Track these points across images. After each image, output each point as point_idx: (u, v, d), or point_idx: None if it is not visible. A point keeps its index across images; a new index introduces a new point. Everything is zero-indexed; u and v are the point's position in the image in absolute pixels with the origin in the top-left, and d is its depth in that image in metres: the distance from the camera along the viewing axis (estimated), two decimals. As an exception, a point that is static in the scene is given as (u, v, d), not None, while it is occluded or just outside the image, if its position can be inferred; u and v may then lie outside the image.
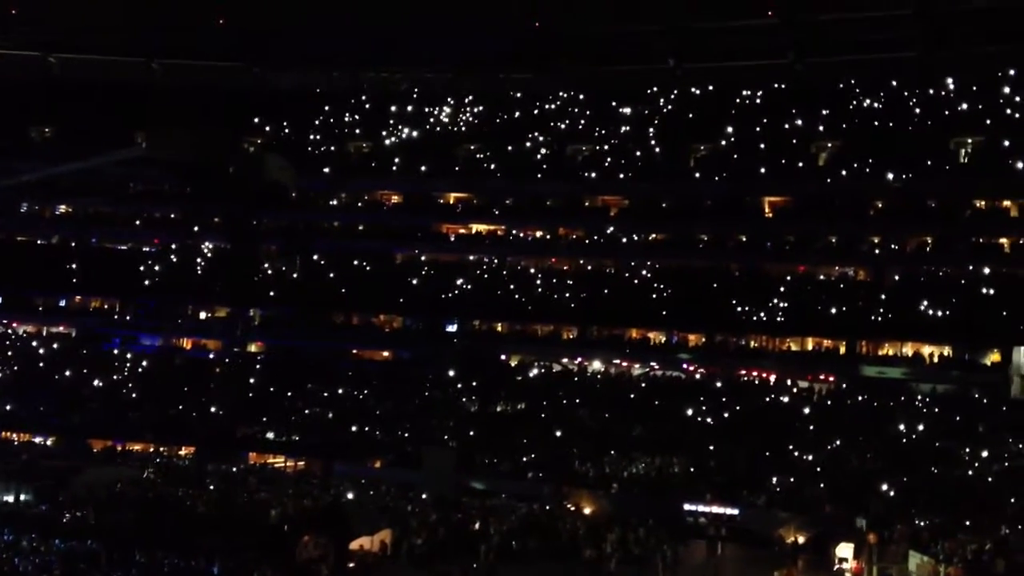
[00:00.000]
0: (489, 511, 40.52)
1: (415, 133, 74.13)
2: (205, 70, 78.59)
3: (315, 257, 68.16)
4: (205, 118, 70.42)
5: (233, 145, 71.81)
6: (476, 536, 37.45)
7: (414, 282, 65.08)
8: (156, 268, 69.83)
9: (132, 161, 64.48)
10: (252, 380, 59.39)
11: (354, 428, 52.73)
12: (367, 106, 77.02)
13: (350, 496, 42.03)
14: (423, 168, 70.40)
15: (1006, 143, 57.68)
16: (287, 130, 76.21)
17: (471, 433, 50.83)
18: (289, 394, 57.17)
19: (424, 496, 42.78)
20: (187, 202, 70.30)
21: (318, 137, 75.01)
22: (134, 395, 58.82)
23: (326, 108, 76.87)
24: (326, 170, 72.05)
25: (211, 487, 43.35)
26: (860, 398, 52.08)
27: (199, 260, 70.00)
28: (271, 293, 66.20)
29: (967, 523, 34.69)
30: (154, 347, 67.01)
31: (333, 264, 67.39)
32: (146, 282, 68.71)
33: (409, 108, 75.81)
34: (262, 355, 65.30)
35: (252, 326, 64.93)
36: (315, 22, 72.77)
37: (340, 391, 57.42)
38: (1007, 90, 60.63)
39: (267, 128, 76.13)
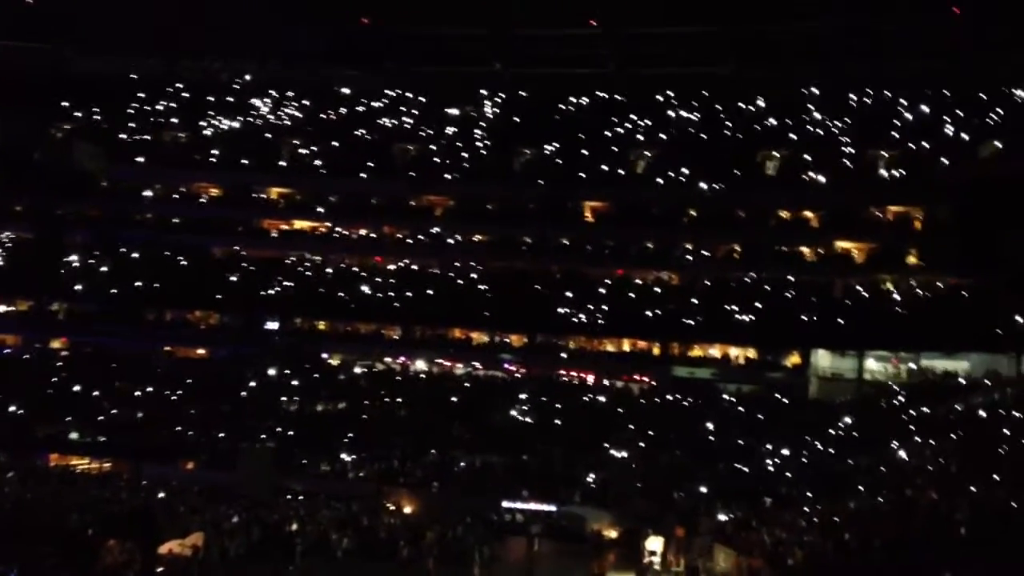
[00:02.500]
0: (306, 511, 39.86)
1: (236, 125, 72.19)
2: (9, 51, 73.87)
3: (126, 250, 65.26)
4: (8, 102, 66.43)
5: (40, 131, 68.20)
6: (292, 537, 36.75)
7: (232, 278, 63.30)
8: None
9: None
10: (54, 378, 56.30)
11: (165, 428, 50.78)
12: (185, 95, 74.45)
13: (160, 498, 40.43)
14: (244, 162, 68.63)
15: (807, 157, 61.17)
16: (98, 117, 72.74)
17: (289, 433, 49.88)
18: (95, 393, 54.46)
19: (239, 498, 41.62)
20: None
21: (132, 125, 71.92)
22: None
23: (141, 95, 73.84)
24: (140, 160, 69.25)
25: (6, 490, 40.80)
26: (671, 398, 54.14)
27: (-1, 250, 65.95)
28: (77, 287, 63.00)
29: (768, 516, 36.50)
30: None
31: (146, 258, 64.69)
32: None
33: (230, 99, 73.72)
34: (66, 351, 62.05)
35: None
36: (132, 5, 69.61)
37: (151, 390, 55.13)
38: (810, 107, 64.23)
39: (77, 114, 72.37)
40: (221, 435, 49.81)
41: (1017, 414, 39.80)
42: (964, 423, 40.72)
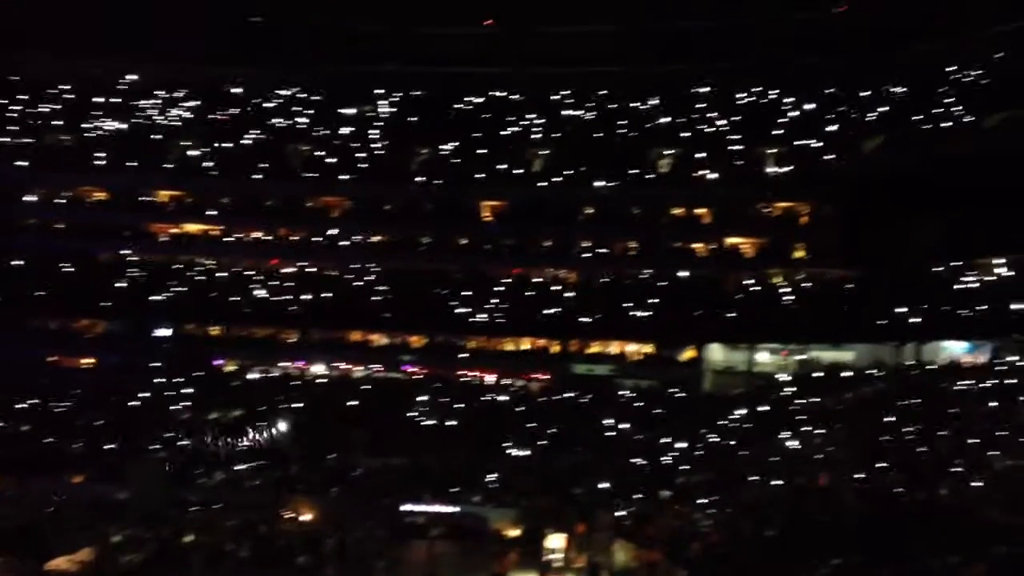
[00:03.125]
0: (201, 522, 38.95)
1: (123, 127, 70.14)
2: None
3: (8, 257, 62.82)
4: None
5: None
6: (186, 549, 35.91)
7: (120, 284, 61.51)
8: None
9: None
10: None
11: (52, 441, 48.98)
12: (68, 96, 71.99)
13: (48, 513, 39.04)
14: (132, 164, 66.74)
15: (699, 156, 62.34)
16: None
17: (183, 443, 48.64)
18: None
19: (131, 511, 40.44)
20: None
21: (13, 128, 69.28)
22: None
23: (21, 96, 71.15)
24: (22, 163, 66.76)
25: None
26: (571, 395, 54.56)
27: None
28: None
29: (666, 509, 37.09)
30: None
31: (29, 264, 62.43)
32: None
33: (116, 100, 71.58)
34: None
35: None
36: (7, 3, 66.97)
37: (36, 401, 53.12)
38: (700, 105, 65.43)
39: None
40: (111, 447, 48.25)
41: (900, 402, 41.30)
42: (851, 411, 42.03)
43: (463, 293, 59.64)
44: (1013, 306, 46.41)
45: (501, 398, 54.99)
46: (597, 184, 62.02)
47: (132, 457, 45.74)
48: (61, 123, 70.40)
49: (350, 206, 65.44)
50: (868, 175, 55.91)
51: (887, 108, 59.53)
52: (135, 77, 72.45)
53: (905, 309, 49.76)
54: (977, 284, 49.34)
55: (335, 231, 64.20)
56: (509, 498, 42.86)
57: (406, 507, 42.06)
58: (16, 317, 60.14)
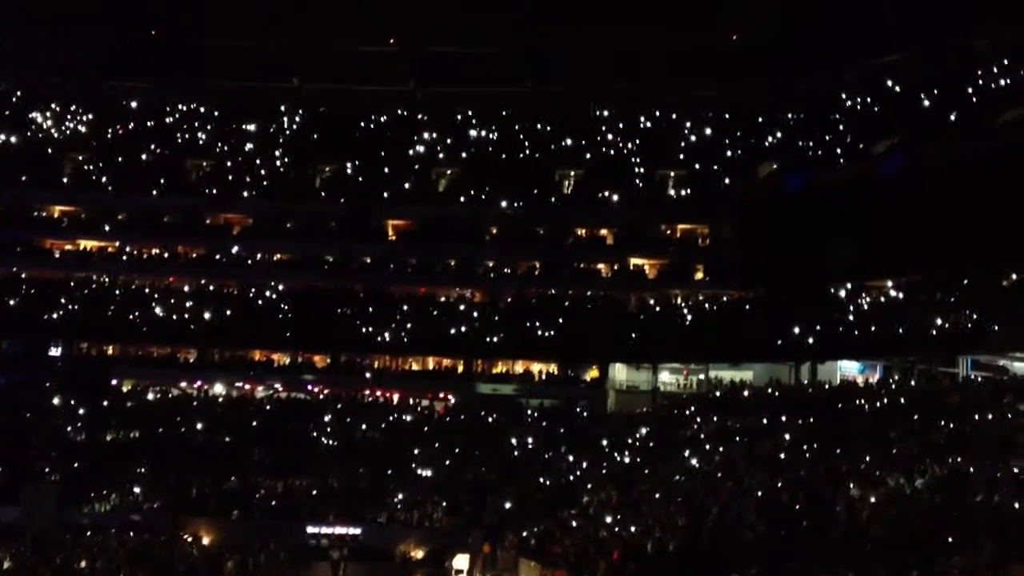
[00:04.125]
0: (96, 547, 37.84)
1: (13, 139, 67.91)
2: None
3: None
4: None
5: None
6: (80, 575, 34.82)
7: (11, 302, 59.46)
8: None
9: None
10: None
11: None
12: (-44, 106, 69.47)
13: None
14: (23, 178, 64.63)
15: (602, 177, 63.38)
16: None
17: (76, 464, 47.25)
18: None
19: (23, 535, 39.03)
20: None
21: None
22: None
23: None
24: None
25: None
26: (476, 414, 54.68)
27: None
28: None
29: (570, 528, 37.46)
30: None
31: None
32: None
33: (7, 112, 69.29)
34: None
35: None
36: None
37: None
38: (603, 128, 66.57)
39: None
40: (0, 470, 46.55)
41: (797, 420, 42.55)
42: (749, 430, 43.10)
43: (368, 312, 59.31)
44: (902, 327, 48.18)
45: (407, 417, 54.79)
46: (503, 204, 62.39)
47: (24, 479, 44.22)
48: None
49: (251, 223, 64.52)
50: (763, 198, 57.52)
51: (781, 133, 61.45)
52: (25, 89, 70.22)
53: (799, 330, 51.20)
54: (867, 305, 51.12)
55: (236, 248, 63.12)
56: (414, 518, 42.90)
57: (310, 528, 41.67)
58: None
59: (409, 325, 58.69)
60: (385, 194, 63.92)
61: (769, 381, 51.15)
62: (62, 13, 65.15)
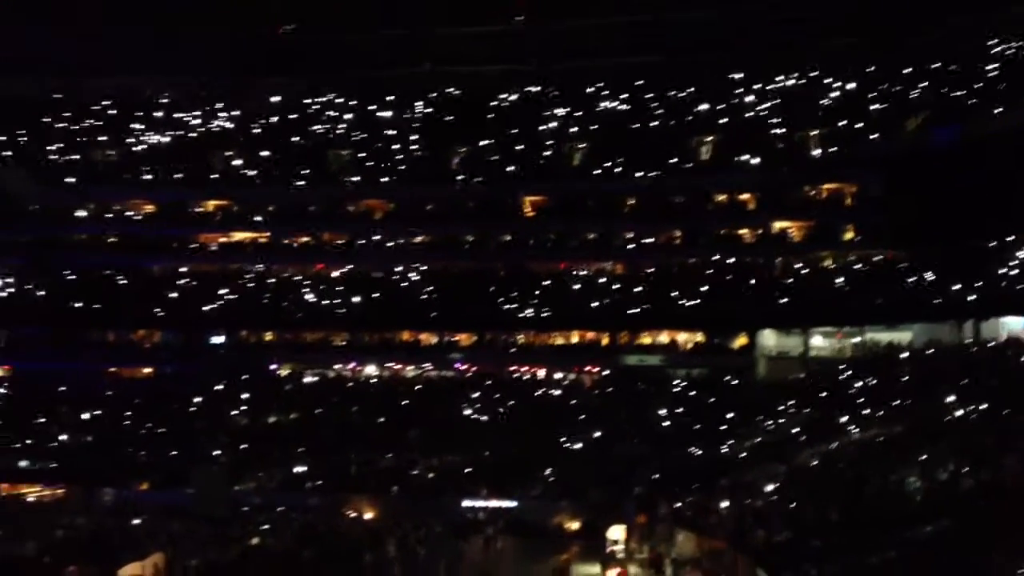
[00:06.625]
0: (265, 525, 39.50)
1: (166, 140, 71.11)
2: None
3: (62, 273, 64.05)
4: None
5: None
6: (253, 551, 36.40)
7: (173, 295, 62.44)
8: None
9: None
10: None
11: (116, 451, 50.00)
12: (111, 112, 73.08)
13: (116, 521, 39.84)
14: (177, 176, 67.64)
15: (739, 141, 61.86)
16: (23, 140, 71.14)
17: (242, 447, 49.41)
18: (43, 419, 53.49)
19: (197, 516, 41.14)
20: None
21: (59, 146, 70.49)
22: None
23: (66, 115, 72.37)
24: (70, 180, 67.94)
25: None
26: (623, 387, 54.50)
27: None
28: (15, 313, 61.73)
29: (726, 498, 37.01)
30: None
31: (84, 279, 63.57)
32: None
33: (158, 114, 72.59)
34: (8, 379, 60.74)
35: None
36: (43, 25, 67.95)
37: (99, 412, 54.24)
38: (737, 91, 65.01)
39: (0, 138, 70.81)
40: (173, 454, 49.15)
41: (961, 381, 40.76)
42: (909, 393, 41.55)
43: (508, 289, 59.74)
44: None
45: (553, 392, 55.07)
46: (637, 175, 61.72)
47: (194, 463, 46.54)
48: (106, 139, 71.47)
49: (392, 208, 65.76)
50: (912, 153, 55.20)
51: (929, 84, 58.73)
52: (175, 91, 73.40)
53: (960, 287, 49.02)
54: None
55: (377, 233, 64.49)
56: (567, 491, 43.06)
57: (465, 503, 42.43)
58: (75, 332, 61.32)
59: (550, 301, 58.82)
60: (520, 171, 64.01)
61: (929, 341, 49.14)
62: (198, 16, 67.71)
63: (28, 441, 51.27)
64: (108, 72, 71.70)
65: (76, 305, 62.00)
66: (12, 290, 63.63)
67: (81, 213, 67.38)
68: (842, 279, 55.45)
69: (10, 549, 35.08)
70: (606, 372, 56.67)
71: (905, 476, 30.98)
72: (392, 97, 71.36)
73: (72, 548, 34.92)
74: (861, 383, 45.73)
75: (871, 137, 58.62)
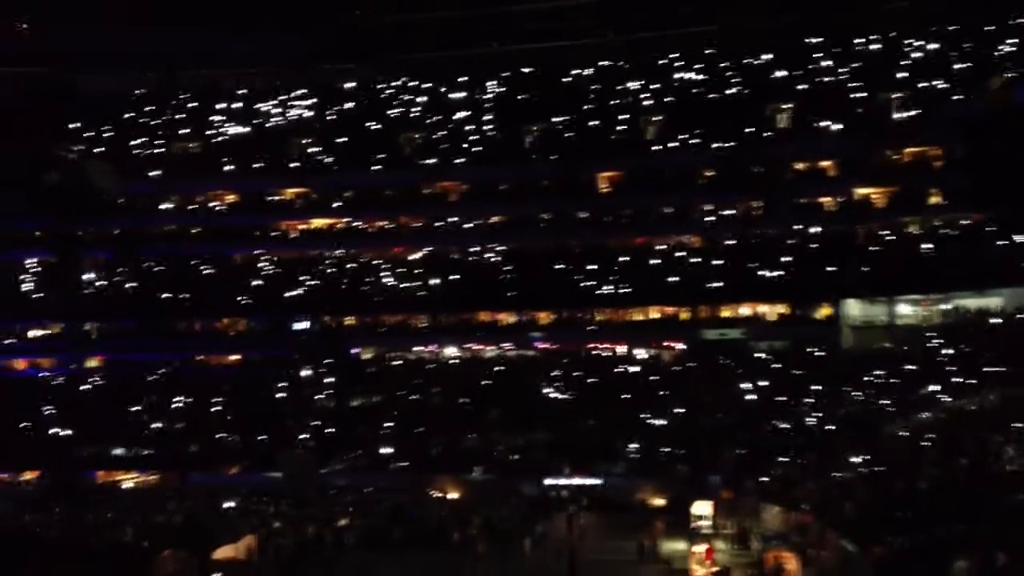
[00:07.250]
0: (353, 506, 40.16)
1: (244, 130, 72.35)
2: (10, 78, 74.08)
3: (150, 264, 65.79)
4: (16, 129, 66.84)
5: (50, 155, 68.57)
6: (342, 532, 37.04)
7: (257, 282, 63.66)
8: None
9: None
10: (93, 396, 57.02)
11: (207, 437, 51.30)
12: (191, 105, 74.67)
13: (209, 505, 40.88)
14: (256, 165, 68.82)
15: (818, 107, 60.50)
16: (108, 135, 73.08)
17: (328, 430, 50.25)
18: (135, 408, 55.13)
19: (286, 498, 42.02)
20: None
21: (143, 139, 72.24)
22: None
23: (148, 109, 74.14)
24: (154, 173, 69.62)
25: (58, 510, 41.38)
26: (704, 361, 53.95)
27: (22, 277, 66.59)
28: (106, 305, 63.61)
29: (812, 471, 36.47)
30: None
31: (170, 270, 65.22)
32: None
33: (236, 105, 73.89)
34: (101, 370, 62.71)
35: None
36: (127, 22, 69.68)
37: (189, 399, 55.71)
38: (815, 56, 63.52)
39: (87, 134, 72.77)
40: (261, 438, 50.23)
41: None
42: (1002, 359, 40.37)
43: (586, 266, 59.50)
44: None
45: (633, 368, 54.78)
46: (714, 146, 60.81)
47: (282, 446, 47.48)
48: (188, 132, 73.05)
49: (467, 189, 65.93)
50: (997, 113, 53.33)
51: (1013, 42, 56.64)
52: (251, 81, 74.63)
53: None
54: None
55: (453, 215, 64.73)
56: (650, 468, 42.85)
57: (549, 481, 42.49)
58: (163, 322, 62.99)
59: (628, 277, 58.41)
60: (594, 147, 63.56)
61: (1020, 306, 47.59)
62: (270, 5, 68.63)
63: (122, 430, 52.75)
64: (187, 66, 73.53)
65: (163, 296, 63.57)
66: (103, 282, 65.39)
67: (166, 205, 69.02)
68: (928, 245, 53.91)
69: (109, 535, 36.18)
70: (686, 347, 56.08)
71: (999, 446, 30.19)
72: (464, 78, 71.45)
73: (168, 532, 35.86)
74: (951, 351, 44.54)
75: (954, 98, 56.74)
